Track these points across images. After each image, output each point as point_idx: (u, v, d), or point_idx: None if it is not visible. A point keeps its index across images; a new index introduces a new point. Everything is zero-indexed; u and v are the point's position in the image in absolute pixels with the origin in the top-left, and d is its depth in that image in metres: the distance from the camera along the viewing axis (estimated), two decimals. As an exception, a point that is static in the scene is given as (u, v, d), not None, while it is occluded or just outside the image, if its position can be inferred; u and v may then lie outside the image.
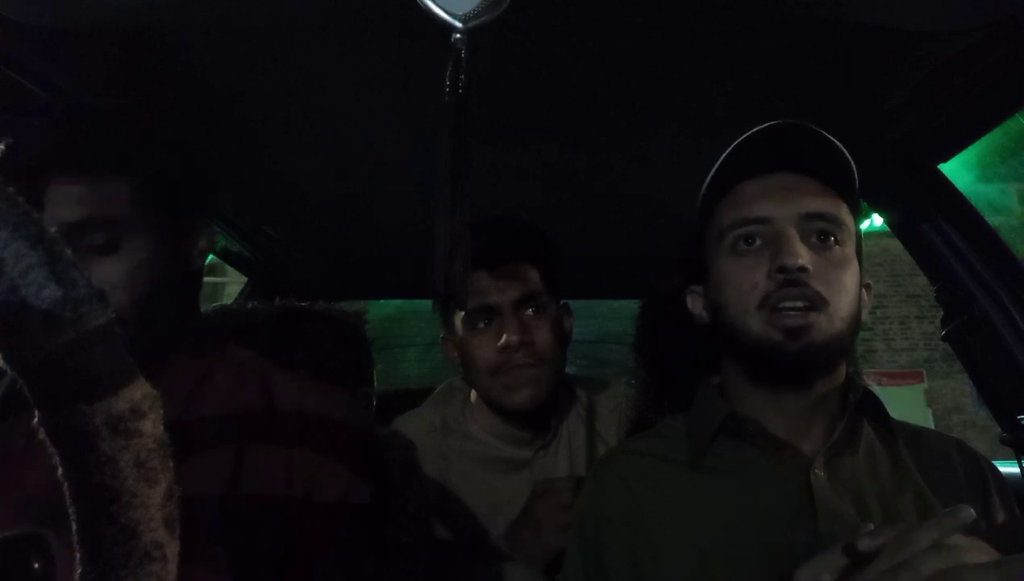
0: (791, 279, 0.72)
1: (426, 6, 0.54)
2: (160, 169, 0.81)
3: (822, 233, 0.76)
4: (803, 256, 0.72)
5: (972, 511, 0.55)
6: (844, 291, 0.74)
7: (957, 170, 1.16)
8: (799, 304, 0.72)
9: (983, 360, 1.18)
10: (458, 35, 0.55)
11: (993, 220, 1.16)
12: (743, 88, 0.97)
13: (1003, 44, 0.83)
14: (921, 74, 0.91)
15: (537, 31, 0.82)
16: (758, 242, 0.76)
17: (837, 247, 0.76)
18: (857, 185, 0.79)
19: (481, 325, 1.10)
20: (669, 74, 0.93)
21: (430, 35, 0.54)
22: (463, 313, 1.10)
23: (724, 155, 0.80)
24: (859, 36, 0.83)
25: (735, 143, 0.79)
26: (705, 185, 0.83)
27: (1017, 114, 0.99)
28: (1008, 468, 1.19)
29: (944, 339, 1.25)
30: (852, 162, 0.77)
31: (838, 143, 0.77)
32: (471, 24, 0.54)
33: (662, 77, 0.94)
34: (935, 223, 1.17)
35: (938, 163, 1.14)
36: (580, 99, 1.01)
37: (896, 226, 1.26)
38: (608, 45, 0.86)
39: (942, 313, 1.24)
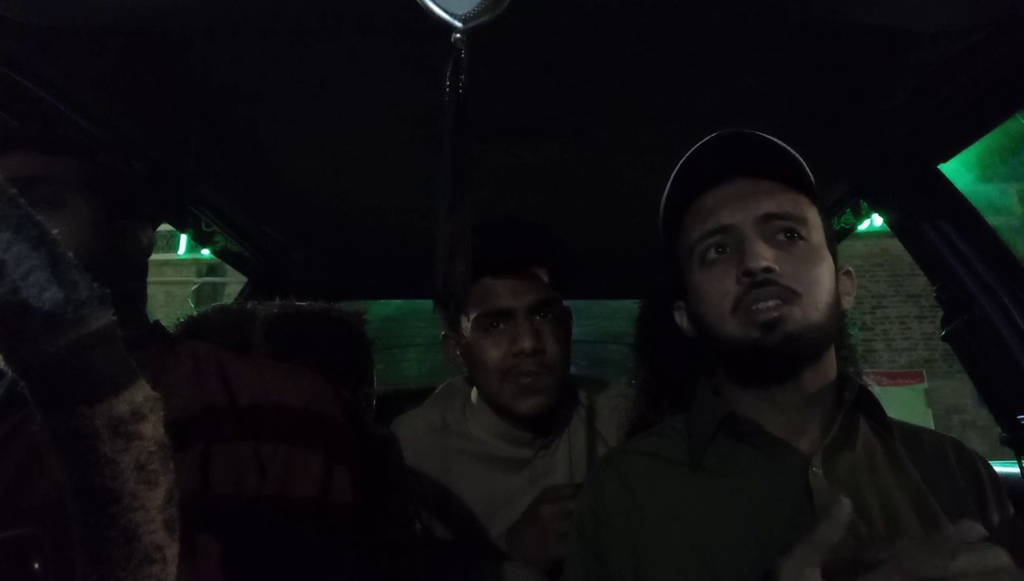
0: (758, 281, 0.73)
1: (426, 6, 0.54)
2: (104, 158, 0.85)
3: (786, 231, 0.77)
4: (766, 257, 0.73)
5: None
6: (816, 282, 0.75)
7: (957, 170, 1.16)
8: (770, 303, 0.73)
9: (983, 360, 1.18)
10: (458, 35, 0.55)
11: (993, 220, 1.16)
12: (743, 88, 0.97)
13: (1003, 44, 0.83)
14: (921, 74, 0.91)
15: (537, 31, 0.82)
16: (725, 250, 0.78)
17: (802, 242, 0.77)
18: (811, 178, 0.80)
19: (494, 328, 1.10)
20: (669, 74, 0.93)
21: (430, 35, 0.54)
22: (474, 314, 1.10)
23: (675, 172, 0.82)
24: (859, 36, 0.83)
25: (683, 159, 0.81)
26: (663, 202, 0.85)
27: (1017, 114, 0.99)
28: (1008, 468, 1.19)
29: (944, 339, 1.25)
30: (799, 157, 0.79)
31: (782, 144, 0.78)
32: (471, 24, 0.54)
33: (662, 77, 0.94)
34: (935, 223, 1.17)
35: (938, 163, 1.14)
36: (580, 99, 1.00)
37: (896, 226, 1.26)
38: (608, 45, 0.86)
39: (942, 313, 1.24)
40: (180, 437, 0.76)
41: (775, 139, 0.79)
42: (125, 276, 0.85)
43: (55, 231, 0.75)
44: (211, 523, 0.72)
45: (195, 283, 8.18)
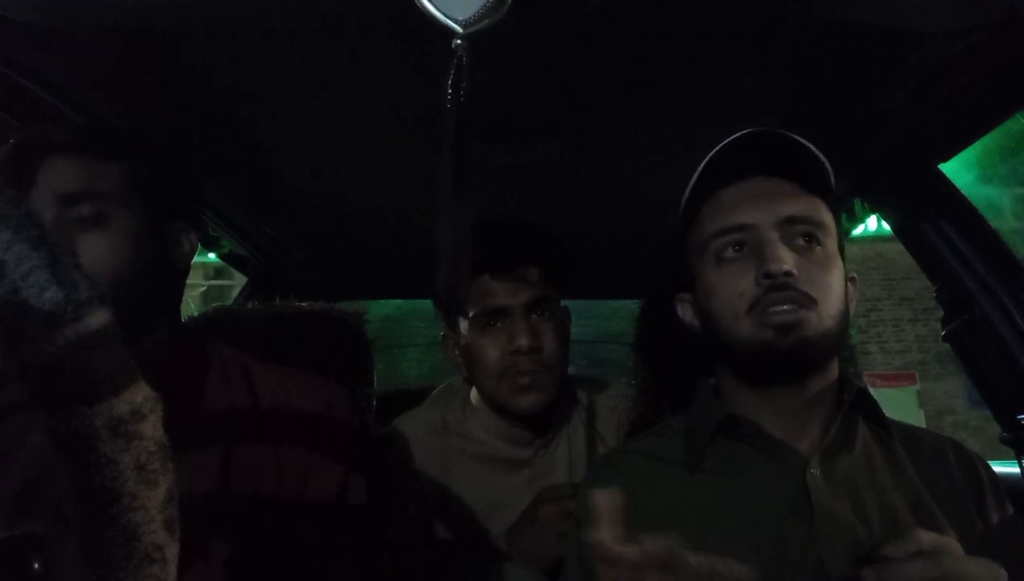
0: (778, 284, 0.73)
1: (427, 10, 0.54)
2: (149, 162, 0.84)
3: (804, 235, 0.77)
4: (787, 261, 0.73)
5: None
6: (830, 289, 0.75)
7: (957, 170, 1.16)
8: (787, 307, 0.73)
9: (983, 360, 1.18)
10: (459, 39, 0.55)
11: (993, 221, 1.17)
12: (743, 88, 0.97)
13: (1003, 44, 0.83)
14: (921, 74, 0.91)
15: (537, 31, 0.82)
16: (743, 249, 0.77)
17: (819, 247, 0.77)
18: (833, 184, 0.80)
19: (490, 326, 1.11)
20: (669, 74, 0.93)
21: (431, 37, 0.54)
22: (471, 313, 1.10)
23: (701, 166, 0.82)
24: (859, 36, 0.83)
25: (710, 154, 0.81)
26: (686, 196, 0.84)
27: (1017, 114, 0.99)
28: (1008, 468, 1.19)
29: (944, 339, 1.25)
30: (826, 163, 0.79)
31: (810, 146, 0.78)
32: (472, 29, 0.54)
33: (662, 77, 0.94)
34: (935, 223, 1.17)
35: (938, 163, 1.14)
36: (580, 99, 1.00)
37: (896, 226, 1.26)
38: (608, 45, 0.86)
39: (940, 314, 1.24)
40: (202, 438, 0.77)
41: (805, 142, 0.78)
42: (166, 281, 0.85)
43: (97, 249, 0.76)
44: (227, 524, 0.72)
45: (203, 286, 8.19)
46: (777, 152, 0.78)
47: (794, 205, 0.77)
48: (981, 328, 1.14)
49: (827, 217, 0.79)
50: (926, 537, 0.58)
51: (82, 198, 0.76)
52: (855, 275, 0.83)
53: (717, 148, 0.80)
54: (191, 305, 1.01)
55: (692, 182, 0.83)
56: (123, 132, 0.86)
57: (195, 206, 0.95)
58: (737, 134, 0.79)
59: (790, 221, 0.76)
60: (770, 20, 0.81)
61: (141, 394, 0.42)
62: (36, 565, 0.66)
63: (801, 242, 0.77)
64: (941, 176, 1.15)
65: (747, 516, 0.74)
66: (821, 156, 0.78)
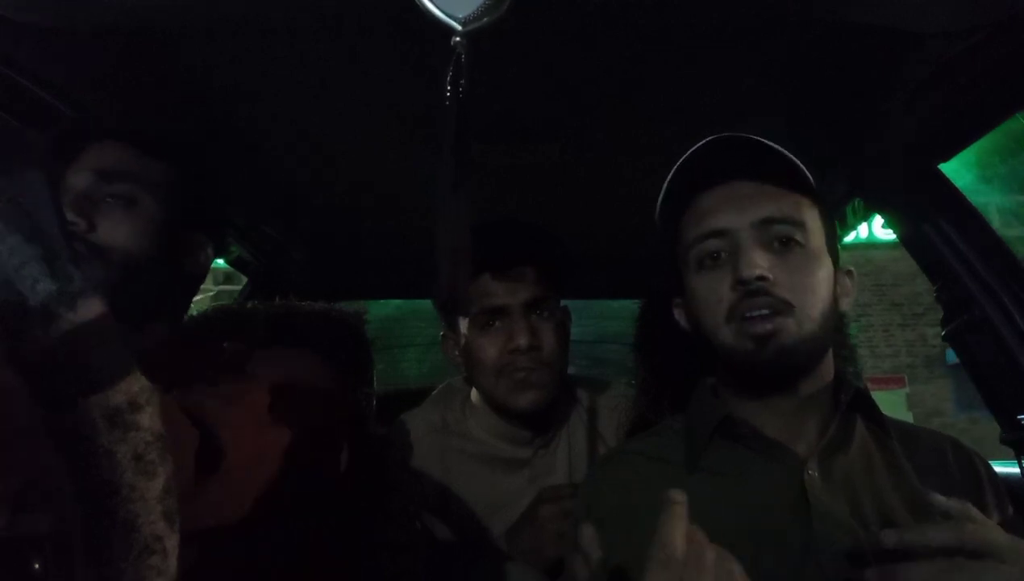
0: (752, 290, 0.73)
1: (426, 8, 0.54)
2: (188, 169, 0.89)
3: (782, 237, 0.76)
4: (760, 265, 0.73)
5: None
6: (810, 291, 0.74)
7: (957, 170, 1.16)
8: (764, 312, 0.73)
9: (983, 360, 1.18)
10: (458, 37, 0.55)
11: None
12: (743, 88, 0.97)
13: (1003, 44, 0.83)
14: (922, 74, 0.91)
15: (537, 32, 0.82)
16: (721, 255, 0.77)
17: (799, 248, 0.76)
18: (811, 179, 0.79)
19: (490, 326, 1.11)
20: (669, 74, 0.93)
21: (431, 37, 0.54)
22: (471, 313, 1.10)
23: (672, 173, 0.82)
24: (859, 36, 0.83)
25: (682, 159, 0.81)
26: (659, 201, 0.85)
27: (1017, 114, 0.99)
28: (1008, 468, 1.19)
29: (944, 339, 1.25)
30: (798, 161, 0.78)
31: (779, 149, 0.78)
32: (471, 27, 0.54)
33: (662, 77, 0.94)
34: (935, 223, 1.17)
35: (938, 163, 1.14)
36: (580, 100, 1.00)
37: (896, 226, 1.26)
38: (608, 46, 0.86)
39: (928, 319, 1.24)
40: (201, 436, 0.76)
41: (772, 144, 0.78)
42: (176, 286, 0.87)
43: (119, 228, 0.79)
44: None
45: (212, 290, 8.22)
46: (751, 154, 0.78)
47: (771, 206, 0.76)
48: (981, 328, 1.14)
49: (809, 214, 0.78)
50: (950, 504, 0.58)
51: (118, 178, 0.80)
52: (851, 269, 0.82)
53: (688, 154, 0.81)
54: (193, 309, 1.02)
55: (664, 189, 0.84)
56: (172, 137, 0.90)
57: (221, 225, 0.97)
58: (705, 140, 0.79)
59: (767, 222, 0.76)
60: (770, 20, 0.81)
61: (137, 385, 0.42)
62: (36, 565, 0.66)
63: (778, 244, 0.76)
64: (941, 176, 1.15)
65: (745, 516, 0.74)
66: (790, 155, 0.78)
